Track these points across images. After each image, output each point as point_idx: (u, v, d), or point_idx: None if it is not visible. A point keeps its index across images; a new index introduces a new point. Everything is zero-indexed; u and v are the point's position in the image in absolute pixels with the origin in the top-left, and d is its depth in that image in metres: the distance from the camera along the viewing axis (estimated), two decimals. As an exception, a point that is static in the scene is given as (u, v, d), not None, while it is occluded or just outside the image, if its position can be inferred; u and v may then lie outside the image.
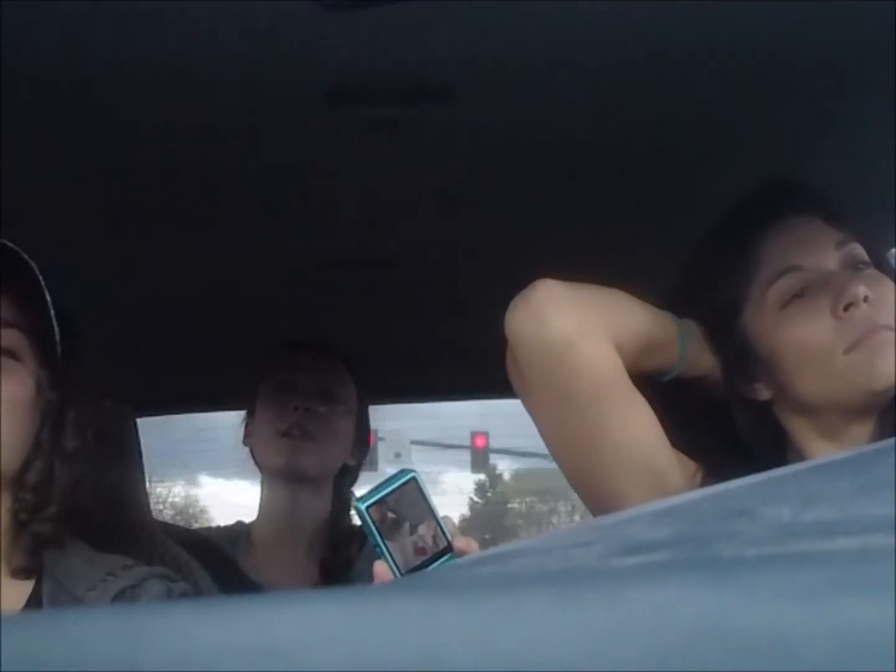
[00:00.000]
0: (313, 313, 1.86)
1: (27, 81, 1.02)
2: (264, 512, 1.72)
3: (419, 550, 0.81)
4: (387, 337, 1.94)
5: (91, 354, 1.12)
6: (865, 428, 0.96)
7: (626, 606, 0.25)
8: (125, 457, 1.51)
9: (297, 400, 1.67)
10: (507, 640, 0.24)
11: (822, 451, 0.97)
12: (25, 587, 1.00)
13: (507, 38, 0.99)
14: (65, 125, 1.15)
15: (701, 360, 1.02)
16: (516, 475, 27.60)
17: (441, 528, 0.82)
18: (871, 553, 0.29)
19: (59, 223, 1.42)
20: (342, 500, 1.72)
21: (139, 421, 1.96)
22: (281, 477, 1.68)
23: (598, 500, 0.97)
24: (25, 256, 0.96)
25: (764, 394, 1.01)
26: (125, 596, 1.00)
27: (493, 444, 19.50)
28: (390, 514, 0.81)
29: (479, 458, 19.29)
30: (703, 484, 0.95)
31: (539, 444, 1.02)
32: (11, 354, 0.98)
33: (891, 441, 0.41)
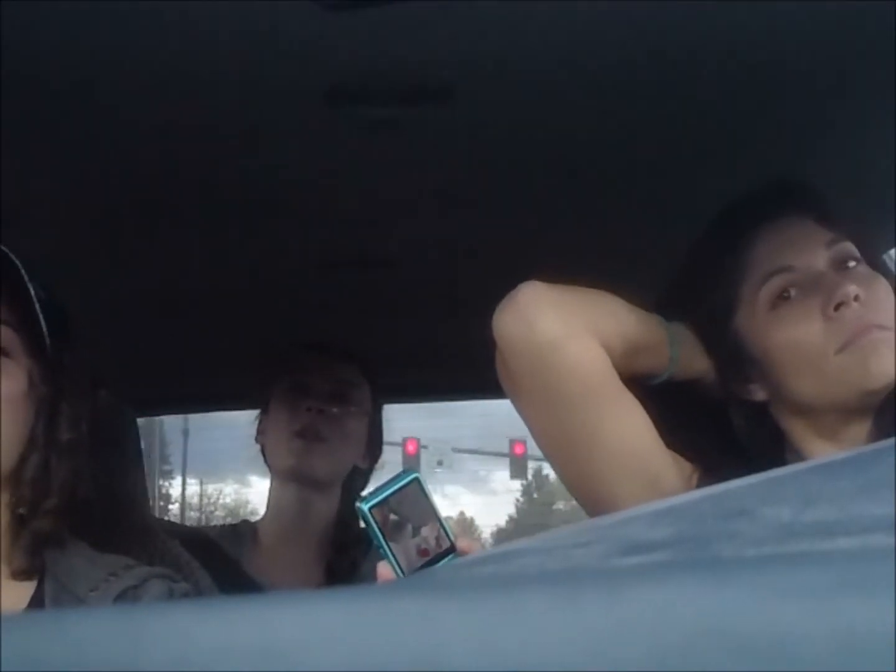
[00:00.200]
0: (313, 313, 1.86)
1: (27, 81, 1.02)
2: (272, 511, 1.72)
3: (422, 551, 0.81)
4: (387, 337, 1.94)
5: (91, 354, 1.12)
6: (863, 427, 0.96)
7: (626, 606, 0.25)
8: (125, 456, 1.51)
9: (310, 401, 1.67)
10: (507, 640, 0.24)
11: (820, 451, 0.97)
12: (27, 588, 1.00)
13: (507, 38, 0.99)
14: (65, 125, 1.15)
15: (694, 362, 1.02)
16: (562, 477, 27.73)
17: (444, 529, 0.82)
18: (871, 553, 0.29)
19: (59, 223, 1.42)
20: (351, 503, 1.72)
21: (148, 421, 1.96)
22: (290, 478, 1.68)
23: (593, 502, 0.96)
24: (5, 250, 0.96)
25: (759, 395, 1.01)
26: (127, 596, 1.00)
27: (533, 451, 19.63)
28: (393, 515, 0.80)
29: (518, 465, 19.39)
30: (700, 485, 0.95)
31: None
32: (2, 351, 0.98)
33: (891, 441, 0.41)
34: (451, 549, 0.82)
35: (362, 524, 0.82)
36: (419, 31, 0.97)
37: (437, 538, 0.82)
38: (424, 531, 0.81)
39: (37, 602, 0.99)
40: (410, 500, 0.81)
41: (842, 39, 1.02)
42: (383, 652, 0.24)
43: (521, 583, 0.30)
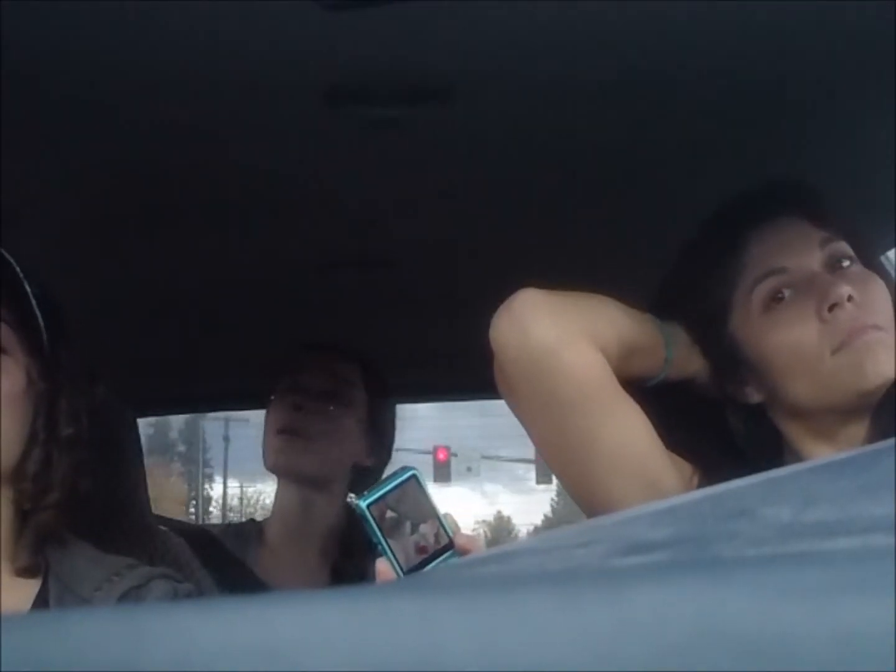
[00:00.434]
0: (313, 313, 1.87)
1: (27, 81, 1.02)
2: (276, 512, 1.73)
3: (421, 548, 0.81)
4: (387, 337, 1.94)
5: (91, 354, 1.12)
6: (860, 427, 0.96)
7: (626, 606, 0.25)
8: (125, 456, 1.51)
9: (298, 399, 1.67)
10: (507, 640, 0.24)
11: (818, 453, 0.97)
12: (30, 587, 1.00)
13: (507, 38, 0.99)
14: (64, 125, 1.15)
15: (689, 362, 1.01)
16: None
17: (442, 526, 0.82)
18: (871, 553, 0.29)
19: (59, 223, 1.42)
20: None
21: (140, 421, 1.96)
22: (282, 476, 1.69)
23: (593, 506, 0.96)
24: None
25: (755, 397, 1.01)
26: (130, 596, 1.01)
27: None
28: (391, 513, 0.80)
29: (545, 469, 19.72)
30: (701, 486, 0.95)
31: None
32: (1, 349, 0.99)
33: (891, 441, 0.41)
34: (450, 546, 0.82)
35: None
36: (419, 31, 0.97)
37: (436, 535, 0.82)
38: (423, 528, 0.81)
39: (40, 603, 0.99)
40: (409, 498, 0.81)
41: (842, 39, 1.02)
42: (383, 652, 0.24)
43: (521, 583, 0.30)
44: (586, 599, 0.26)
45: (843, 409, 0.95)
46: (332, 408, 1.69)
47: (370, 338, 1.82)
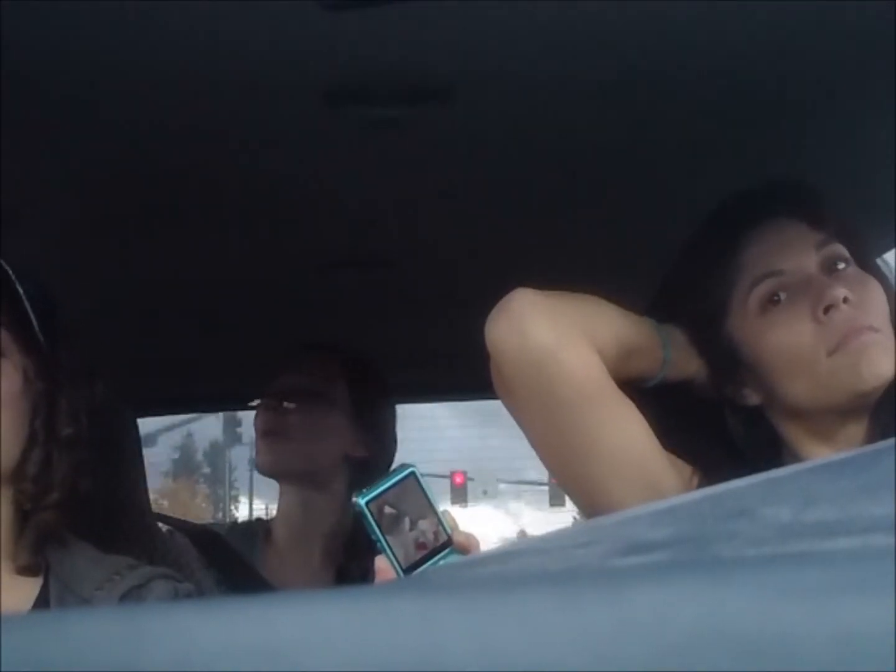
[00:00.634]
0: (313, 313, 1.87)
1: (27, 81, 1.02)
2: (280, 513, 1.74)
3: (419, 545, 0.81)
4: (387, 337, 1.95)
5: (91, 354, 1.12)
6: (859, 428, 0.96)
7: (626, 606, 0.25)
8: (125, 456, 1.51)
9: (275, 401, 1.69)
10: (507, 640, 0.24)
11: (817, 453, 0.97)
12: (31, 586, 1.00)
13: (507, 38, 0.99)
14: (64, 126, 1.15)
15: (687, 363, 1.01)
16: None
17: (441, 523, 0.82)
18: (871, 553, 0.29)
19: (59, 223, 1.42)
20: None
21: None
22: (271, 477, 1.71)
23: (592, 507, 0.96)
24: None
25: (753, 399, 1.01)
26: (131, 596, 1.01)
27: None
28: (390, 510, 0.81)
29: (557, 493, 20.12)
30: (700, 487, 0.95)
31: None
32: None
33: (890, 441, 0.41)
34: (449, 543, 0.82)
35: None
36: (419, 31, 0.97)
37: (435, 532, 0.82)
38: (422, 525, 0.82)
39: (41, 603, 0.99)
40: (407, 495, 0.81)
41: (842, 39, 1.02)
42: (384, 652, 0.24)
43: (521, 583, 0.30)
44: (586, 599, 0.26)
45: (841, 409, 0.95)
46: (310, 405, 1.69)
47: (370, 338, 1.82)
